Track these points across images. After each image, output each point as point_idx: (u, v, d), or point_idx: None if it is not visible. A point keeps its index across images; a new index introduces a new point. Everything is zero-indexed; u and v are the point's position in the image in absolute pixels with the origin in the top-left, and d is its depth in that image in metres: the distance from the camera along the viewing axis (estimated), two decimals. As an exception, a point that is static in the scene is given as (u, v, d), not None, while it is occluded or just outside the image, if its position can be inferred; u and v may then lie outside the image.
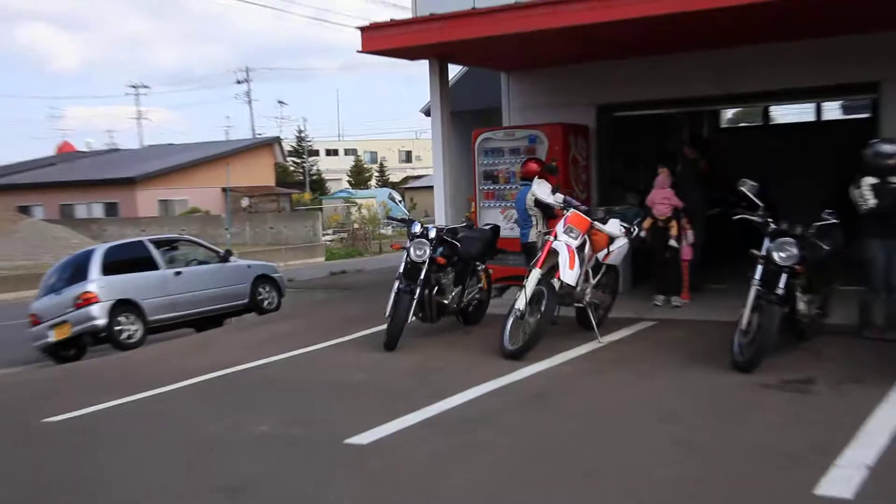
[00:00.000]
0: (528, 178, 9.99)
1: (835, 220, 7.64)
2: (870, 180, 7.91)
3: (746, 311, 7.36)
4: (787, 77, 11.04)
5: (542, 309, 8.24)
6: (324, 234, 39.98)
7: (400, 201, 12.99)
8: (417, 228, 9.36)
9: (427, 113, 13.83)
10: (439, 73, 11.26)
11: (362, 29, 10.67)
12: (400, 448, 5.83)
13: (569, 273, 8.30)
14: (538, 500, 4.85)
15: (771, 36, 10.52)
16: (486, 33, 9.90)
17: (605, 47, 11.04)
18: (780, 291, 7.29)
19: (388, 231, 38.99)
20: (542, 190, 9.43)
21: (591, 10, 9.18)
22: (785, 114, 18.05)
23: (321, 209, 46.86)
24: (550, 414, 6.49)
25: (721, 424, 5.98)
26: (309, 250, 35.71)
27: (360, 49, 10.63)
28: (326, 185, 66.43)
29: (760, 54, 10.97)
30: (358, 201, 46.31)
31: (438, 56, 11.11)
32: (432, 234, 9.25)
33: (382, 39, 10.69)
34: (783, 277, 7.32)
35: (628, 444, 5.66)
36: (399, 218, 10.63)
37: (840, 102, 17.81)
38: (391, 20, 10.89)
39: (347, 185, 64.50)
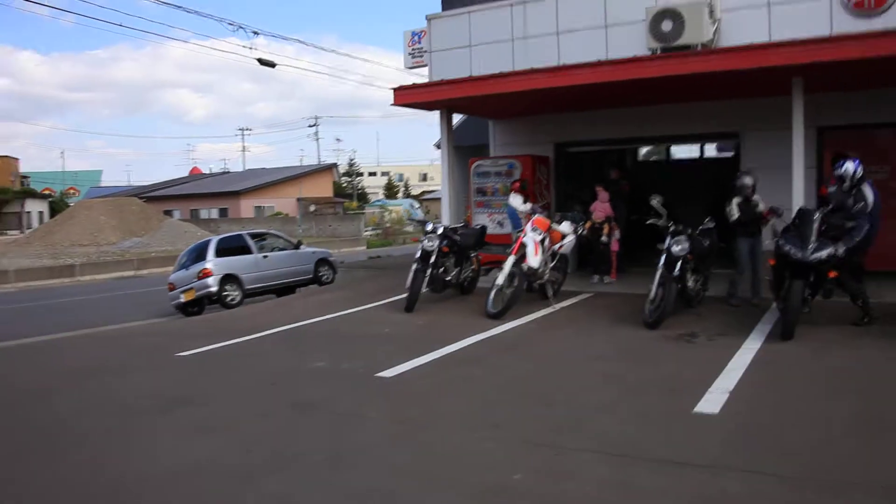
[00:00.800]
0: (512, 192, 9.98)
1: (712, 225, 7.80)
2: (736, 200, 7.98)
3: (654, 287, 7.32)
4: (683, 126, 10.95)
5: (515, 284, 8.25)
6: (365, 231, 39.76)
7: (418, 207, 12.59)
8: (430, 227, 9.29)
9: (438, 146, 13.77)
10: (447, 119, 11.10)
11: (395, 89, 10.50)
12: (413, 380, 5.76)
13: (534, 259, 8.28)
14: (504, 415, 4.81)
15: (672, 99, 10.43)
16: (478, 92, 9.80)
17: (561, 103, 10.93)
18: (676, 273, 7.31)
19: (410, 228, 38.77)
20: (516, 201, 9.48)
21: (548, 78, 9.11)
22: (680, 152, 18.00)
23: (363, 213, 46.56)
24: (519, 357, 6.41)
25: (634, 364, 5.94)
26: (354, 241, 35.55)
27: (393, 103, 10.49)
28: (368, 196, 66.13)
29: (666, 110, 10.84)
30: (390, 208, 46.35)
31: (447, 107, 10.97)
32: (440, 230, 9.19)
33: (408, 96, 10.53)
34: (678, 263, 7.33)
35: (570, 378, 5.63)
36: (418, 219, 10.51)
37: (716, 144, 17.58)
38: (414, 84, 10.76)
39: (382, 197, 64.34)
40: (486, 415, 4.86)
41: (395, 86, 10.69)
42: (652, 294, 7.35)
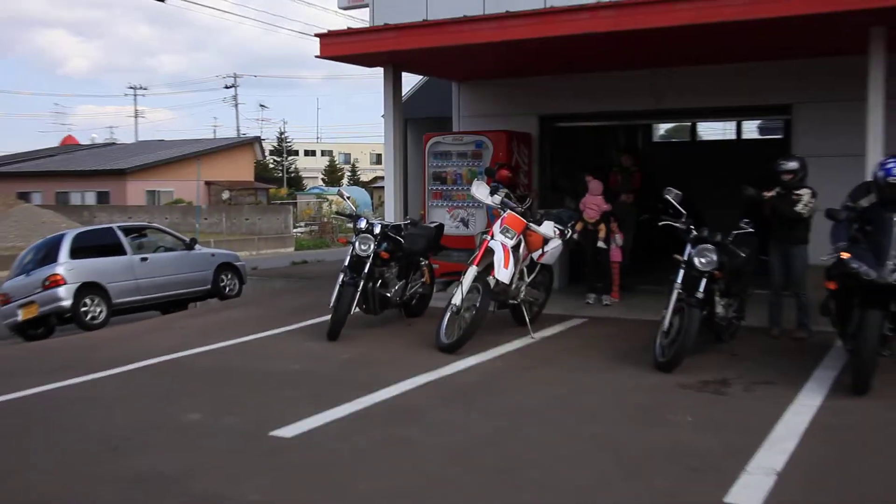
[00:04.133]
0: (499, 183, 9.86)
1: (751, 229, 7.52)
2: (773, 192, 8.07)
3: (668, 314, 7.18)
4: (714, 96, 10.88)
5: (478, 305, 8.00)
6: (296, 227, 39.28)
7: (349, 197, 12.28)
8: (363, 224, 9.04)
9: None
10: (393, 80, 10.75)
11: (320, 36, 10.08)
12: (322, 442, 5.50)
13: (503, 271, 8.06)
14: (451, 502, 4.49)
15: (700, 59, 10.34)
16: (435, 43, 9.50)
17: (548, 62, 10.77)
18: (699, 295, 7.12)
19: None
20: (480, 191, 8.93)
21: (531, 26, 8.82)
22: (710, 132, 18.05)
23: (295, 203, 46.01)
24: (477, 410, 6.19)
25: (639, 426, 5.71)
26: (280, 241, 35.15)
27: (318, 55, 10.07)
28: (303, 182, 65.63)
29: (690, 75, 10.77)
30: (329, 197, 45.39)
31: (392, 63, 10.62)
32: (377, 229, 8.97)
33: (339, 46, 10.17)
34: (703, 282, 7.16)
35: (547, 445, 5.36)
36: (346, 213, 10.08)
37: (758, 123, 17.91)
38: (348, 28, 10.40)
39: (322, 183, 63.86)
40: (424, 501, 4.56)
41: (322, 31, 10.28)
42: (666, 323, 7.20)
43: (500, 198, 8.75)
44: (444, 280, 11.00)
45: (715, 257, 7.16)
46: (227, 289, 14.37)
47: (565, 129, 12.68)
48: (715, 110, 11.81)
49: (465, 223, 11.51)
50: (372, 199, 54.22)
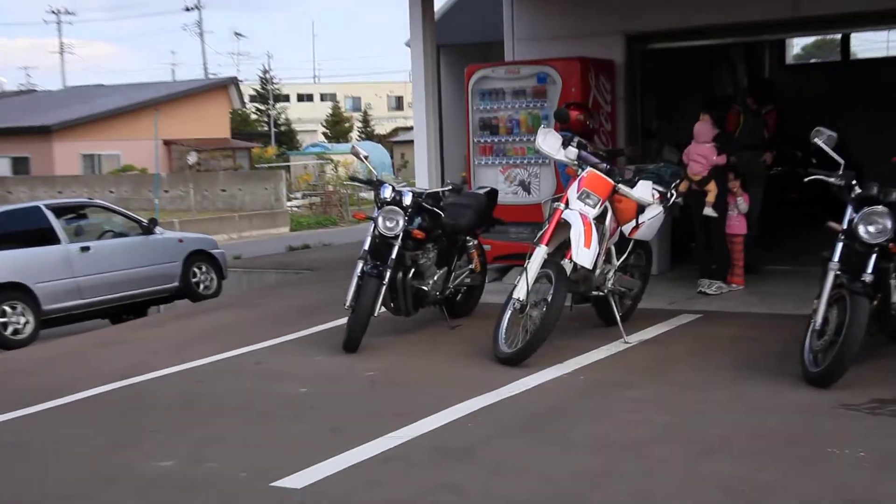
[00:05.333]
0: (572, 130, 9.88)
1: None
2: None
3: (822, 305, 7.01)
4: None
5: (549, 299, 7.94)
6: (290, 199, 39.23)
7: (366, 157, 12.06)
8: (388, 193, 9.03)
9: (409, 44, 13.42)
10: None
11: None
12: (343, 496, 5.40)
13: (584, 252, 7.99)
14: None
15: None
16: None
17: None
18: (867, 278, 6.91)
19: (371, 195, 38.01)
20: (548, 142, 8.80)
21: None
22: (869, 47, 17.65)
23: (288, 167, 46.20)
24: (555, 444, 6.10)
25: (785, 465, 5.53)
26: (270, 218, 35.22)
27: None
28: (297, 137, 65.85)
29: None
30: (334, 157, 44.38)
31: None
32: (407, 199, 8.96)
33: None
34: (872, 259, 6.96)
35: (657, 491, 5.23)
36: (363, 179, 10.02)
37: None
38: None
39: (323, 139, 63.50)
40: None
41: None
42: (819, 319, 7.01)
43: (577, 150, 8.64)
44: (499, 266, 11.03)
45: (889, 223, 6.94)
46: (202, 286, 14.43)
47: (662, 53, 12.54)
48: (879, 15, 11.32)
49: (527, 187, 11.38)
50: (392, 158, 53.65)
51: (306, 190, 42.22)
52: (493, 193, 9.84)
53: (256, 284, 14.72)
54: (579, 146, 8.65)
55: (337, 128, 66.66)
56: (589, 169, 8.35)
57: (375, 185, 9.26)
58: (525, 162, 11.45)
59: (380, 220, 8.80)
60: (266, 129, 62.91)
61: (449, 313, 9.65)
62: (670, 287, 10.59)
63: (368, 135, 66.59)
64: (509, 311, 8.08)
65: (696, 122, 10.50)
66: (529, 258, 8.13)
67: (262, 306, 11.73)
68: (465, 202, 9.46)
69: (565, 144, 8.75)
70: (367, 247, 8.87)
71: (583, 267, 8.07)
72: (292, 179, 43.11)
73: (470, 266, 9.71)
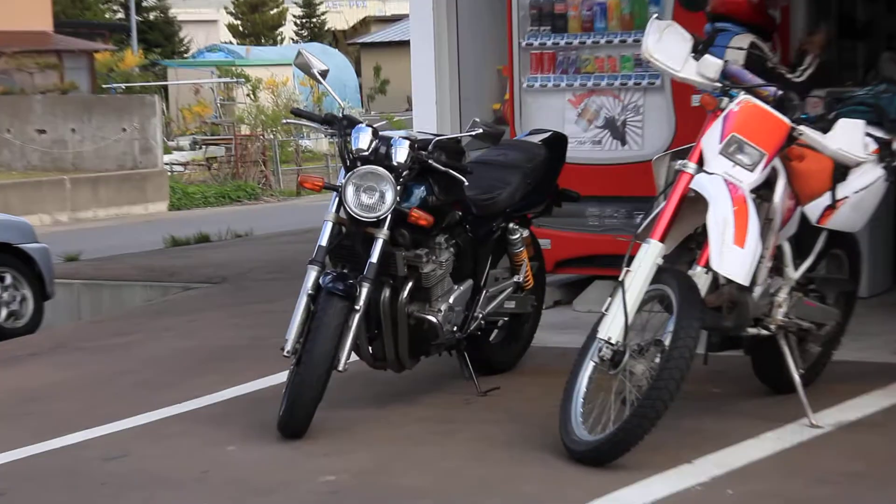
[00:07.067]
0: (731, 19, 8.72)
1: None
2: None
3: None
4: None
5: (668, 341, 6.56)
6: (169, 150, 32.06)
7: (322, 73, 9.54)
8: (364, 140, 7.43)
9: None
10: None
11: None
12: None
13: (733, 255, 6.78)
14: None
15: None
16: None
17: None
18: None
19: (322, 145, 31.96)
20: (666, 46, 7.44)
21: None
22: None
23: (165, 90, 37.68)
24: None
25: None
26: (132, 185, 28.46)
27: None
28: (181, 36, 51.82)
29: None
30: (249, 73, 38.63)
31: None
32: (401, 153, 7.42)
33: None
34: None
35: None
36: (317, 116, 8.53)
37: None
38: None
39: (228, 37, 51.62)
40: None
41: None
42: None
43: (719, 62, 7.29)
44: (567, 278, 10.21)
45: None
46: (4, 312, 12.93)
47: None
48: None
49: (620, 132, 9.96)
50: (359, 76, 46.54)
51: (199, 133, 34.58)
52: (556, 143, 8.55)
53: (111, 309, 13.32)
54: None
55: (255, 16, 52.81)
56: (744, 97, 6.97)
57: (339, 124, 7.67)
58: (618, 84, 9.95)
59: (350, 191, 7.28)
60: (122, 18, 48.49)
61: (475, 364, 8.12)
62: (890, 319, 9.27)
63: (312, 33, 55.04)
64: (591, 365, 6.76)
65: None
66: (627, 265, 6.77)
67: (123, 351, 10.26)
68: (506, 159, 8.21)
69: (697, 49, 7.37)
70: (324, 241, 7.38)
71: (731, 281, 6.77)
72: (173, 113, 36.16)
73: (515, 278, 8.26)
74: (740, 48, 7.81)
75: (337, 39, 51.74)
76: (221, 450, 7.20)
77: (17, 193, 24.18)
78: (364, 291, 7.17)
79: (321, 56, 11.69)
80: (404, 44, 15.35)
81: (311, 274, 7.30)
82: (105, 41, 43.43)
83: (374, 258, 7.23)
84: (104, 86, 37.89)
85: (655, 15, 8.26)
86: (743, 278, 6.69)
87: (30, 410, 8.43)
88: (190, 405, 8.25)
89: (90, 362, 9.98)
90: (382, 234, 7.26)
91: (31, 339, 12.04)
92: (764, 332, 7.20)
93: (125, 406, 8.20)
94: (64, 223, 20.84)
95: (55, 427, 7.83)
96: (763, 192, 7.00)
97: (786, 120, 6.95)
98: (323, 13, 56.18)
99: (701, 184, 6.78)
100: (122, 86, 37.06)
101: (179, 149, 33.03)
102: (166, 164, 30.96)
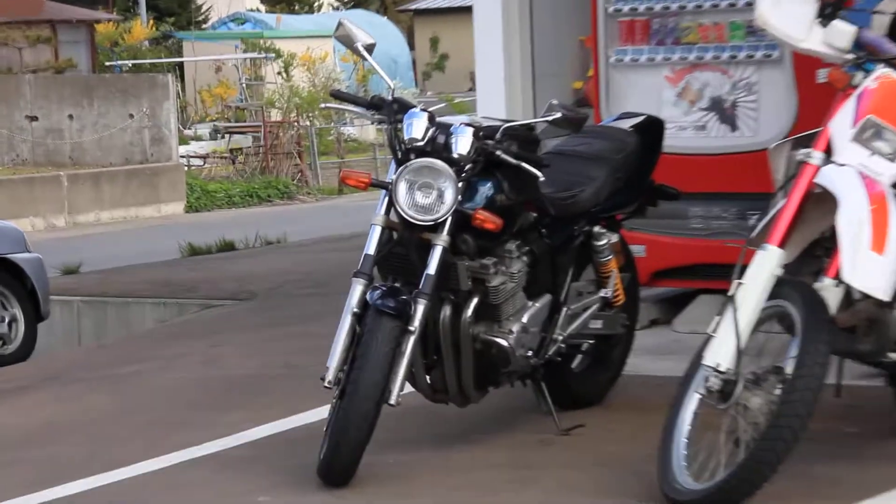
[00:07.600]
0: None
1: None
2: None
3: None
4: None
5: (791, 369, 6.25)
6: (186, 140, 30.26)
7: (368, 46, 9.01)
8: (419, 128, 7.18)
9: None
10: None
11: None
12: None
13: (870, 262, 6.52)
14: None
15: None
16: None
17: None
18: None
19: (368, 134, 30.15)
20: (787, 11, 7.23)
21: None
22: None
23: (181, 68, 35.93)
24: None
25: None
26: (142, 182, 27.05)
27: None
28: (199, 2, 48.38)
29: None
30: (280, 47, 35.48)
31: None
32: (463, 144, 7.13)
33: None
34: None
35: None
36: (362, 99, 8.23)
37: None
38: None
39: (257, 5, 47.98)
40: None
41: None
42: None
43: (852, 28, 6.96)
44: (665, 292, 9.96)
45: None
46: None
47: None
48: None
49: (729, 115, 9.61)
50: (413, 49, 43.90)
51: (221, 120, 33.07)
52: (650, 130, 8.18)
53: (117, 332, 12.86)
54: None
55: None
56: (883, 71, 6.68)
57: (389, 109, 7.40)
58: (727, 57, 9.63)
59: (402, 189, 7.02)
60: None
61: (554, 397, 7.75)
62: None
63: (356, 1, 49.80)
64: (696, 398, 6.46)
65: None
66: (739, 276, 6.48)
67: (131, 382, 9.99)
68: (590, 150, 7.84)
69: (823, 14, 7.05)
70: (372, 250, 7.04)
71: (867, 296, 6.46)
72: (190, 96, 34.35)
73: (602, 293, 7.91)
74: (889, 13, 7.44)
75: (385, 6, 49.82)
76: (250, 501, 6.98)
77: (5, 193, 23.20)
78: (420, 309, 6.90)
79: (366, 26, 11.41)
80: (466, 10, 14.71)
81: (357, 288, 7.00)
82: (108, 9, 41.02)
83: (432, 269, 6.97)
84: (107, 63, 36.29)
85: None
86: (882, 292, 6.39)
87: (19, 457, 8.14)
88: (211, 447, 7.93)
89: (92, 396, 9.71)
90: (441, 241, 6.99)
91: (21, 368, 11.80)
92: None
93: (134, 449, 7.92)
94: (61, 228, 20.44)
95: (50, 475, 7.61)
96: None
97: None
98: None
99: (829, 178, 6.49)
100: (129, 63, 35.00)
101: (197, 138, 31.29)
102: (182, 156, 29.46)
